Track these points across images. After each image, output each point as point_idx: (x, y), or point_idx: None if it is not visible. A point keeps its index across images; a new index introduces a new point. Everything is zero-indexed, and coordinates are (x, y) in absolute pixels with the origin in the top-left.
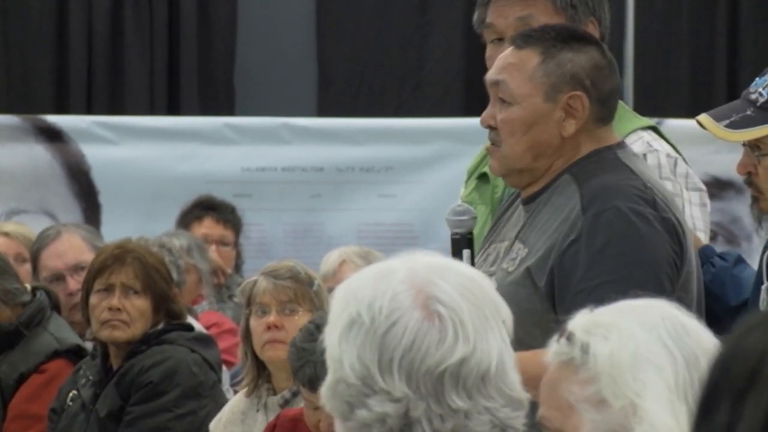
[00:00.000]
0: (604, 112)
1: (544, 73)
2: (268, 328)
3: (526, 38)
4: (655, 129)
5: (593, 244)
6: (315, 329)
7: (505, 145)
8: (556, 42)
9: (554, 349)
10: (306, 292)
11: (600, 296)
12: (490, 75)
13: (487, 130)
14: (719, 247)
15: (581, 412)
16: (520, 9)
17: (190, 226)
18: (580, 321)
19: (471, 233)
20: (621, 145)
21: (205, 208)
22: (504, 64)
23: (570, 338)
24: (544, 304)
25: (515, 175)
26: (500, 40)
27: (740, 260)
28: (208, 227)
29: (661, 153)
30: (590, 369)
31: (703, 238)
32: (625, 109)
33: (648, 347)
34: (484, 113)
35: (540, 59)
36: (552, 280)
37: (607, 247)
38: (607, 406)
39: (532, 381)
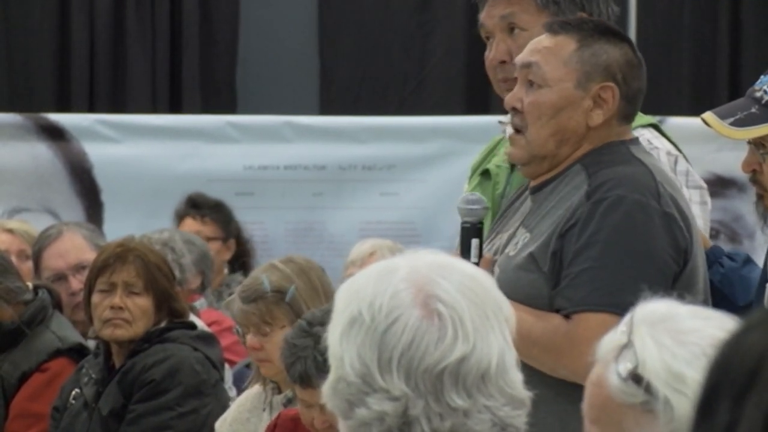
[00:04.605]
0: (629, 109)
1: (578, 60)
2: (253, 348)
3: (563, 25)
4: (656, 126)
5: (585, 230)
6: (307, 325)
7: (531, 129)
8: (593, 32)
9: (616, 383)
10: (272, 310)
11: (580, 282)
12: (522, 57)
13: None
14: (721, 246)
15: None
16: (503, 8)
17: (178, 226)
18: (652, 363)
19: (481, 223)
20: (635, 141)
21: (189, 206)
22: (538, 47)
23: (638, 381)
24: (549, 288)
25: (536, 162)
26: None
27: (749, 260)
28: (188, 226)
29: (662, 151)
30: (673, 424)
31: None
32: None
33: None
34: (510, 95)
35: (576, 46)
36: (554, 265)
37: (597, 233)
38: None
39: (529, 342)
